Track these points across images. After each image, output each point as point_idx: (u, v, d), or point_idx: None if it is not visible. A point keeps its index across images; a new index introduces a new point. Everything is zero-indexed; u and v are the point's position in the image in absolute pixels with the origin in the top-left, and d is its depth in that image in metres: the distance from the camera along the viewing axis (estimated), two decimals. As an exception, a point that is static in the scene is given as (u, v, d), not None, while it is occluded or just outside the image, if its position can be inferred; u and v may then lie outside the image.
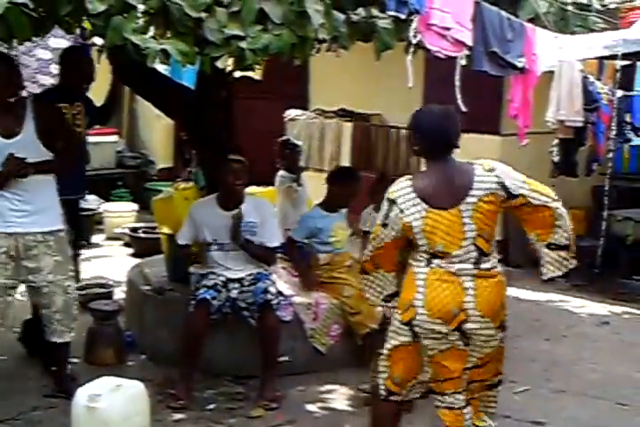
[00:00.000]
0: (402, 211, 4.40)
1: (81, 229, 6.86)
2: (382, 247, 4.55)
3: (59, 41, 8.09)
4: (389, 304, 4.75)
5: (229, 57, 5.05)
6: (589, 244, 9.98)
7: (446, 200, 4.36)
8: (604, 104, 9.49)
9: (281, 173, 8.29)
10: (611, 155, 9.70)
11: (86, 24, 4.95)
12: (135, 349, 6.97)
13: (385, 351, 4.59)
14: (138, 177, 13.98)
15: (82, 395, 5.00)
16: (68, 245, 5.84)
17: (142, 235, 10.78)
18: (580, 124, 9.09)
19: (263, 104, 12.77)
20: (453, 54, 6.29)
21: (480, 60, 6.55)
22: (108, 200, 12.48)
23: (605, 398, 6.42)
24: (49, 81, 8.35)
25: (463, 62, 6.35)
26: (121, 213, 11.87)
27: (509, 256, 10.13)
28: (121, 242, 11.33)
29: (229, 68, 6.06)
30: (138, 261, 8.52)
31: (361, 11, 5.58)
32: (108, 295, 7.71)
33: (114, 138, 13.49)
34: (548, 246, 4.57)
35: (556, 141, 9.47)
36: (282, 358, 6.33)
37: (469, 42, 6.33)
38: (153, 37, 4.75)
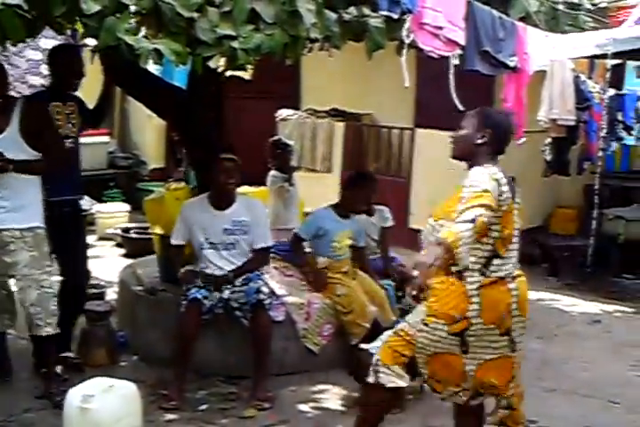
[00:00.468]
0: (502, 193, 4.26)
1: (83, 228, 6.83)
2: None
3: (49, 42, 8.06)
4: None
5: (221, 57, 5.05)
6: (581, 242, 10.03)
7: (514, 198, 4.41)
8: (596, 103, 9.52)
9: (273, 172, 8.28)
10: (602, 153, 9.72)
11: (78, 25, 4.95)
12: (127, 349, 6.96)
13: (421, 356, 4.49)
14: (130, 177, 13.97)
15: (74, 396, 4.99)
16: (46, 242, 5.82)
17: (134, 235, 10.78)
18: (573, 123, 9.11)
19: (255, 104, 12.77)
20: (446, 54, 6.30)
21: (472, 59, 6.57)
22: (99, 201, 12.46)
23: (597, 396, 6.44)
24: (39, 81, 8.33)
25: (456, 62, 6.36)
26: (113, 214, 11.85)
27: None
28: (113, 242, 11.32)
29: (221, 68, 6.05)
30: (130, 261, 8.51)
31: (353, 10, 5.58)
32: (101, 296, 7.69)
33: (105, 138, 13.47)
34: None
35: (548, 140, 9.49)
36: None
37: (462, 41, 6.34)
38: (145, 37, 4.75)
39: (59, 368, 6.15)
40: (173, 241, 6.51)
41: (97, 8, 4.47)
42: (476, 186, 4.15)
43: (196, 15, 4.77)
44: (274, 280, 6.89)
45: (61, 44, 7.08)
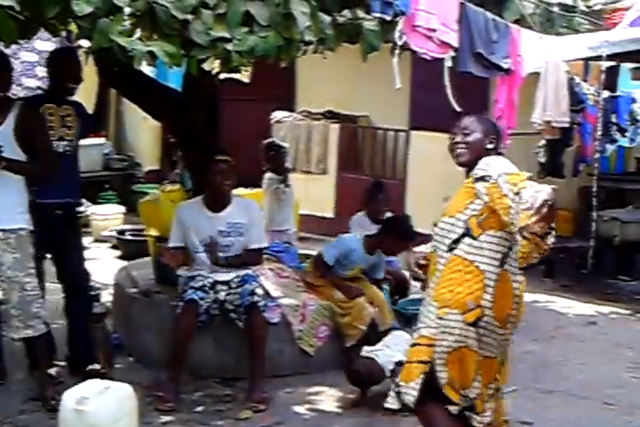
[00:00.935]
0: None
1: (79, 231, 6.82)
2: None
3: (44, 43, 8.10)
4: None
5: (215, 59, 5.06)
6: (577, 244, 10.03)
7: None
8: (590, 105, 9.53)
9: (268, 175, 8.29)
10: (597, 155, 9.73)
11: (72, 27, 4.95)
12: (123, 351, 6.95)
13: (441, 355, 4.36)
14: (125, 179, 13.96)
15: (69, 398, 4.98)
16: (30, 244, 5.80)
17: (129, 237, 10.78)
18: (567, 125, 9.12)
19: (250, 106, 12.78)
20: (439, 56, 6.30)
21: (465, 61, 6.57)
22: (95, 203, 12.46)
23: (593, 398, 6.43)
24: (34, 83, 8.35)
25: (449, 63, 6.37)
26: (108, 216, 11.85)
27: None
28: (108, 244, 11.32)
29: (216, 70, 6.06)
30: (125, 263, 8.50)
31: (346, 12, 5.59)
32: (96, 298, 7.67)
33: (101, 140, 13.46)
34: None
35: (542, 142, 9.50)
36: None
37: (455, 43, 6.35)
38: (139, 39, 4.75)
39: (53, 370, 6.15)
40: (171, 244, 6.49)
41: (89, 10, 4.47)
42: (511, 169, 4.22)
43: (190, 17, 4.77)
44: (269, 282, 6.89)
45: (61, 47, 7.08)
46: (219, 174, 6.30)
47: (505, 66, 6.99)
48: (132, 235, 10.76)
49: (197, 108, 7.04)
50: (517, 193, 4.03)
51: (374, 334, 6.61)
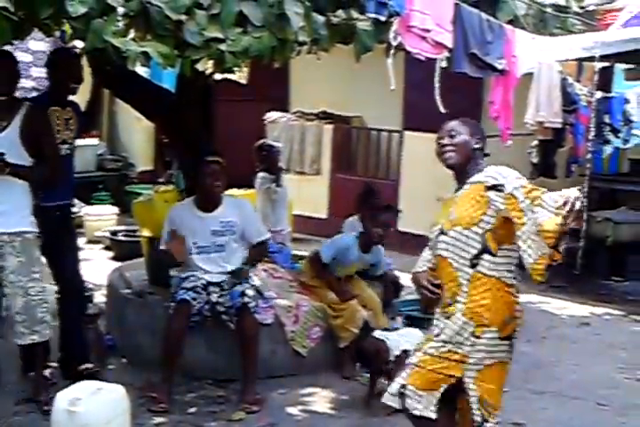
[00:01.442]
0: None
1: (75, 233, 6.81)
2: None
3: (38, 44, 8.08)
4: None
5: (209, 59, 5.05)
6: (569, 245, 10.02)
7: None
8: (583, 106, 9.54)
9: (260, 174, 8.30)
10: (590, 156, 9.74)
11: (66, 27, 4.94)
12: (116, 352, 6.95)
13: (473, 373, 4.38)
14: (118, 180, 13.95)
15: (62, 399, 4.98)
16: (36, 248, 5.79)
17: (123, 238, 10.78)
18: (559, 126, 9.13)
19: (244, 106, 12.78)
20: (433, 56, 6.30)
21: (460, 61, 6.57)
22: (88, 203, 12.44)
23: (585, 398, 6.45)
24: (29, 84, 8.33)
25: (443, 64, 6.36)
26: (101, 217, 11.83)
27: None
28: (101, 245, 11.31)
29: (209, 71, 6.05)
30: (118, 264, 8.49)
31: (341, 13, 5.58)
32: (89, 299, 7.68)
33: (94, 141, 13.45)
34: None
35: (535, 143, 9.51)
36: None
37: (449, 44, 6.34)
38: (133, 40, 4.74)
39: (47, 372, 6.14)
40: (162, 246, 6.48)
41: (83, 10, 4.45)
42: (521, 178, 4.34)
43: (184, 18, 4.76)
44: (263, 282, 6.88)
45: (60, 47, 7.05)
46: (209, 176, 6.30)
47: (499, 66, 6.98)
48: (126, 235, 10.76)
49: (191, 108, 7.03)
50: (536, 206, 4.13)
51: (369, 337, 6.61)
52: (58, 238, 6.26)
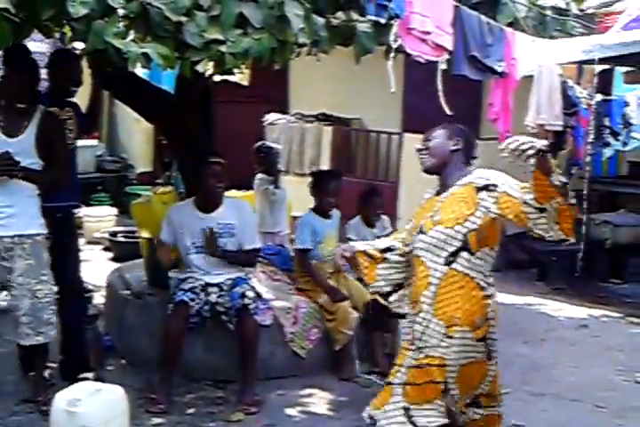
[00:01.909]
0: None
1: (76, 235, 6.81)
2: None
3: (38, 45, 8.08)
4: None
5: (209, 61, 5.05)
6: (569, 247, 10.03)
7: None
8: (584, 108, 9.54)
9: (259, 175, 8.29)
10: (589, 159, 9.75)
11: (66, 29, 4.94)
12: (115, 353, 6.95)
13: (453, 374, 4.41)
14: (117, 181, 13.96)
15: (61, 399, 4.98)
16: (45, 250, 5.80)
17: (122, 239, 10.79)
18: (560, 129, 9.12)
19: (243, 108, 12.78)
20: (434, 59, 6.31)
21: (460, 64, 6.58)
22: (87, 204, 12.43)
23: (584, 400, 6.45)
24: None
25: (443, 66, 6.37)
26: (100, 218, 11.84)
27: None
28: (101, 246, 11.31)
29: (209, 73, 6.06)
30: (117, 265, 8.49)
31: (341, 15, 5.59)
32: (88, 300, 7.68)
33: (93, 142, 13.46)
34: None
35: (535, 145, 9.48)
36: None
37: (449, 46, 6.36)
38: (133, 41, 4.74)
39: (46, 372, 6.14)
40: (162, 237, 6.49)
41: (84, 11, 4.45)
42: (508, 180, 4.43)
43: (184, 19, 4.75)
44: (261, 284, 6.89)
45: (61, 49, 7.05)
46: (211, 176, 6.31)
47: (499, 69, 7.00)
48: (125, 237, 10.78)
49: (190, 110, 7.03)
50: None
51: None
52: (59, 240, 6.26)
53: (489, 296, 4.42)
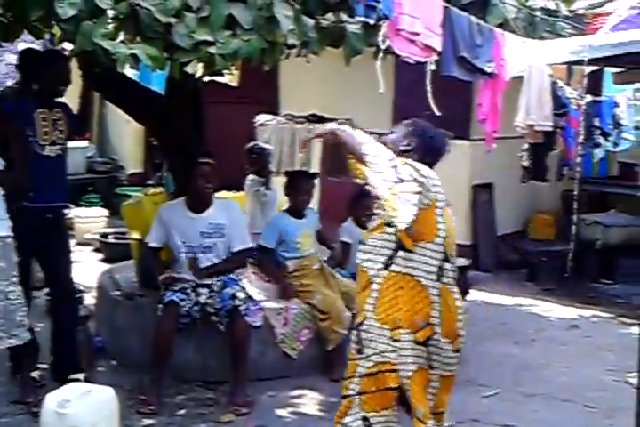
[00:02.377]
0: (434, 186, 4.20)
1: (67, 235, 6.78)
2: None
3: (27, 46, 8.05)
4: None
5: (199, 62, 5.05)
6: (559, 248, 10.06)
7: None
8: (574, 109, 9.55)
9: (250, 177, 8.29)
10: (579, 159, 9.77)
11: (55, 30, 4.94)
12: (105, 354, 6.95)
13: (406, 379, 4.25)
14: (108, 182, 13.95)
15: (51, 400, 4.98)
16: (14, 252, 5.74)
17: (112, 240, 10.78)
18: (550, 129, 9.14)
19: (233, 109, 12.77)
20: (423, 59, 6.32)
21: (449, 64, 6.59)
22: (78, 206, 12.43)
23: (574, 401, 6.46)
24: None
25: (432, 67, 6.38)
26: (91, 219, 11.82)
27: (478, 261, 10.19)
28: (91, 247, 11.30)
29: (199, 74, 6.06)
30: (108, 266, 8.49)
31: (330, 16, 5.59)
32: (79, 301, 7.67)
33: (84, 143, 13.44)
34: None
35: (525, 146, 9.51)
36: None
37: (439, 47, 6.37)
38: (122, 42, 4.74)
39: (36, 373, 6.13)
40: (150, 243, 6.51)
41: (73, 12, 4.45)
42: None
43: (173, 20, 4.76)
44: (252, 285, 6.89)
45: (49, 49, 7.03)
46: (200, 177, 6.33)
47: (488, 70, 7.01)
48: (116, 238, 10.76)
49: (181, 111, 7.03)
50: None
51: None
52: (50, 241, 6.25)
53: (434, 298, 4.21)
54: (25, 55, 6.45)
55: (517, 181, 9.75)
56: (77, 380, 6.09)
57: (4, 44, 5.05)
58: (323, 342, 6.77)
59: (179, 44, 4.79)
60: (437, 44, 6.33)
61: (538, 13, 8.03)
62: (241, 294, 6.26)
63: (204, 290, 6.27)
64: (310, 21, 5.33)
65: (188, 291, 6.22)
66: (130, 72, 6.69)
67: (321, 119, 12.22)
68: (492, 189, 10.73)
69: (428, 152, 4.41)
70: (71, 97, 6.62)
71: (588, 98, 9.84)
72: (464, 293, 7.21)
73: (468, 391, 6.41)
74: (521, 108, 8.81)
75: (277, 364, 6.68)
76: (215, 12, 4.84)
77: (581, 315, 9.02)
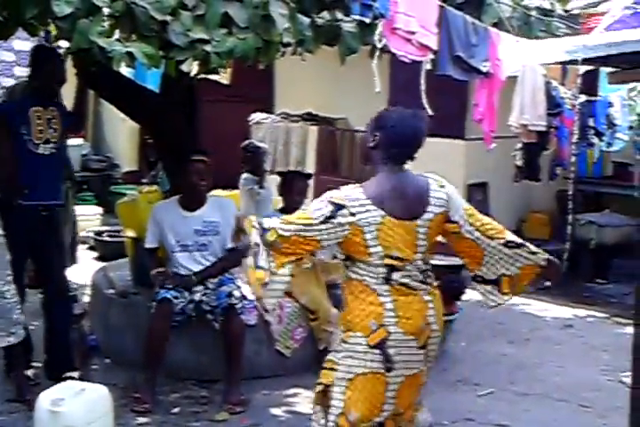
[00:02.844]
0: (353, 214, 4.00)
1: (61, 234, 6.78)
2: (305, 239, 4.08)
3: (23, 43, 8.05)
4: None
5: (194, 60, 5.05)
6: (553, 248, 10.06)
7: (404, 211, 4.06)
8: (568, 109, 9.57)
9: (244, 175, 8.28)
10: (573, 159, 9.78)
11: (51, 27, 4.93)
12: (99, 352, 6.94)
13: (342, 382, 4.15)
14: (103, 180, 13.94)
15: (45, 399, 4.97)
16: (6, 251, 5.73)
17: (107, 238, 10.77)
18: (543, 129, 9.15)
19: (229, 107, 12.77)
20: (418, 58, 6.32)
21: (445, 64, 6.60)
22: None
23: (569, 400, 6.45)
24: (12, 83, 8.30)
25: (428, 66, 6.39)
26: (86, 217, 11.79)
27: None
28: (86, 245, 11.28)
29: (194, 72, 6.06)
30: (102, 264, 8.48)
31: (326, 14, 5.59)
32: (73, 299, 7.66)
33: (79, 141, 13.42)
34: (474, 278, 4.36)
35: (519, 146, 9.52)
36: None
37: (434, 46, 6.37)
38: (118, 40, 4.74)
39: (30, 372, 6.13)
40: (147, 245, 6.51)
41: (69, 10, 4.45)
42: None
43: (169, 18, 4.76)
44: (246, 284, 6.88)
45: (43, 46, 7.02)
46: (194, 174, 6.32)
47: (484, 69, 7.02)
48: (110, 236, 10.76)
49: (175, 109, 7.03)
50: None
51: None
52: (44, 239, 6.24)
53: (387, 300, 4.06)
54: (34, 51, 6.47)
55: (510, 180, 9.77)
56: (71, 378, 6.08)
57: (-1, 41, 5.04)
58: (316, 341, 6.76)
59: (174, 42, 4.80)
60: (433, 42, 6.34)
61: (533, 13, 8.04)
62: (237, 293, 6.26)
63: (199, 287, 6.27)
64: (306, 20, 5.33)
65: (182, 288, 6.21)
66: (125, 70, 6.67)
67: (316, 118, 12.28)
68: (487, 189, 10.74)
69: (392, 144, 4.15)
70: (66, 95, 6.62)
71: (583, 98, 9.86)
72: (459, 293, 7.23)
73: (463, 391, 6.42)
74: (515, 108, 8.83)
75: (272, 362, 6.66)
76: (211, 10, 4.85)
77: (576, 315, 9.02)
